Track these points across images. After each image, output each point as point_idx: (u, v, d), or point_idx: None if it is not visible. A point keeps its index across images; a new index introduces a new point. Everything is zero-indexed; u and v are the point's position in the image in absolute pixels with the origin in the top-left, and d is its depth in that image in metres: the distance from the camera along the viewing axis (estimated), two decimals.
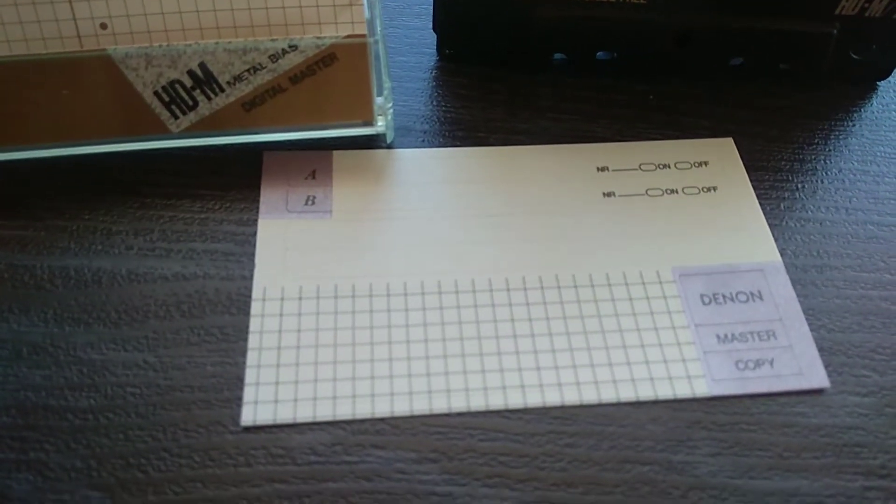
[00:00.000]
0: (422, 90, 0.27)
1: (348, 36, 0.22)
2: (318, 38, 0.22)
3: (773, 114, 0.27)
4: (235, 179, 0.24)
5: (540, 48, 0.26)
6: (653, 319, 0.22)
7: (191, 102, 0.22)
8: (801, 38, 0.26)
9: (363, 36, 0.22)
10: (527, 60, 0.27)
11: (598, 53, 0.27)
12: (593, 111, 0.27)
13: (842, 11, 0.25)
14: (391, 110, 0.24)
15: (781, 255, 0.23)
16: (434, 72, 0.28)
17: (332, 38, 0.22)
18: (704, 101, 0.27)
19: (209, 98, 0.22)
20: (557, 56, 0.27)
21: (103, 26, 0.22)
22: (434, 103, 0.27)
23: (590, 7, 0.25)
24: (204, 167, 0.24)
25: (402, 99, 0.26)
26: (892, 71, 0.27)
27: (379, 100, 0.23)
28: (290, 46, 0.22)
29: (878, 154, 0.26)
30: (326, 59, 0.22)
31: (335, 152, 0.25)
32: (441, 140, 0.26)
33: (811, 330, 0.22)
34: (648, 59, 0.27)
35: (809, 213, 0.24)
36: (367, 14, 0.22)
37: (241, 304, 0.21)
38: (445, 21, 0.26)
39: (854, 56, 0.27)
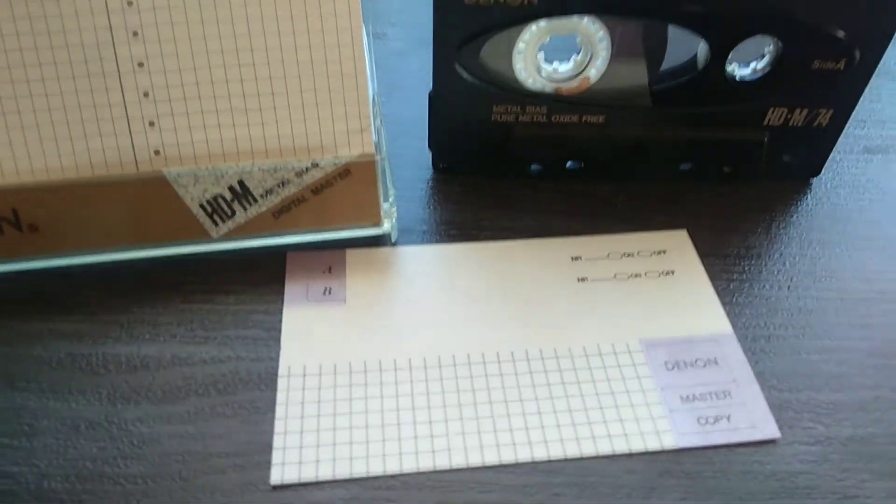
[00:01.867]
0: (421, 197, 0.32)
1: (360, 155, 0.27)
2: (336, 157, 0.26)
3: (721, 208, 0.31)
4: (264, 275, 0.28)
5: (519, 160, 0.31)
6: (624, 384, 0.25)
7: (230, 212, 0.26)
8: (738, 145, 0.31)
9: (372, 155, 0.27)
10: (509, 170, 0.32)
11: (569, 163, 0.32)
12: (567, 210, 0.31)
13: (769, 123, 0.30)
14: (395, 214, 0.28)
15: (733, 327, 0.27)
16: (431, 182, 0.32)
17: (347, 157, 0.26)
18: (661, 199, 0.32)
19: (245, 208, 0.26)
20: (534, 166, 0.32)
21: (157, 153, 0.27)
22: (431, 208, 0.31)
23: (557, 127, 0.30)
24: (238, 265, 0.28)
25: (404, 205, 0.31)
26: (821, 169, 0.32)
27: (385, 205, 0.27)
28: (312, 164, 0.26)
29: (814, 240, 0.30)
30: (342, 173, 0.27)
31: (348, 250, 0.29)
32: (438, 238, 0.30)
33: (762, 389, 0.25)
34: (610, 165, 0.31)
35: (756, 291, 0.28)
36: (374, 138, 0.27)
37: (268, 380, 0.25)
38: (439, 140, 0.31)
39: (786, 158, 0.31)
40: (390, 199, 0.28)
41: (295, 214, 0.27)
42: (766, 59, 0.29)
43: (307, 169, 0.26)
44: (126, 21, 0.25)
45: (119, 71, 0.26)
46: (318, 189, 0.27)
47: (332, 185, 0.27)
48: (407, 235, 0.30)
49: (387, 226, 0.28)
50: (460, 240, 0.30)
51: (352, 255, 0.29)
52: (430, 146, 0.32)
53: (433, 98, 0.30)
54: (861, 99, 0.37)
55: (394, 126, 0.35)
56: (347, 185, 0.27)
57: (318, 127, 0.27)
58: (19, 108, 0.25)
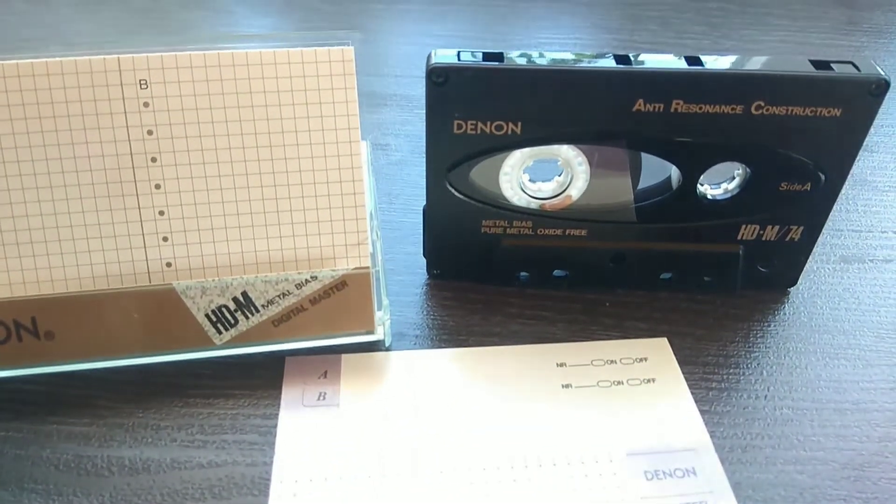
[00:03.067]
0: (414, 303, 0.33)
1: (356, 268, 0.29)
2: (334, 270, 0.28)
3: (700, 317, 0.33)
4: (263, 380, 0.29)
5: (508, 268, 0.33)
6: (606, 493, 0.26)
7: (233, 322, 0.28)
8: (714, 257, 0.33)
9: (367, 268, 0.29)
10: (499, 277, 0.34)
11: (554, 271, 0.33)
12: (553, 317, 0.33)
13: (743, 238, 0.32)
14: (388, 321, 0.30)
15: (711, 437, 0.28)
16: (424, 288, 0.34)
17: (344, 269, 0.28)
18: (643, 307, 0.33)
19: (247, 318, 0.28)
20: (522, 274, 0.34)
21: (168, 265, 0.29)
22: (424, 313, 0.33)
23: (542, 239, 0.32)
24: (238, 371, 0.30)
25: (398, 310, 0.33)
26: (797, 280, 0.34)
27: (378, 314, 0.29)
28: (311, 277, 0.28)
29: (790, 349, 0.32)
30: (339, 285, 0.29)
31: (343, 355, 0.30)
32: (429, 343, 0.31)
33: (738, 500, 0.26)
34: (594, 275, 0.33)
35: (734, 400, 0.29)
36: (371, 250, 0.29)
37: (262, 486, 0.26)
38: (433, 249, 0.33)
39: (761, 269, 0.33)
40: (383, 308, 0.29)
41: (294, 323, 0.29)
42: (736, 181, 0.31)
43: (306, 281, 0.28)
44: (146, 148, 0.28)
45: (137, 192, 0.28)
46: (316, 300, 0.29)
47: (330, 295, 0.29)
48: (400, 340, 0.31)
49: (380, 332, 0.30)
50: (450, 345, 0.31)
51: (347, 360, 0.30)
52: (424, 254, 0.34)
53: (427, 212, 0.32)
54: (838, 210, 0.39)
55: (393, 233, 0.37)
56: (344, 296, 0.29)
57: (318, 241, 0.29)
58: (44, 225, 0.28)
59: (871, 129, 0.42)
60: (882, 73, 0.27)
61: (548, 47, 0.54)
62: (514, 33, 0.56)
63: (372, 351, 0.31)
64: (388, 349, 0.31)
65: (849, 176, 0.42)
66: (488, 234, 0.32)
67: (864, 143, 0.45)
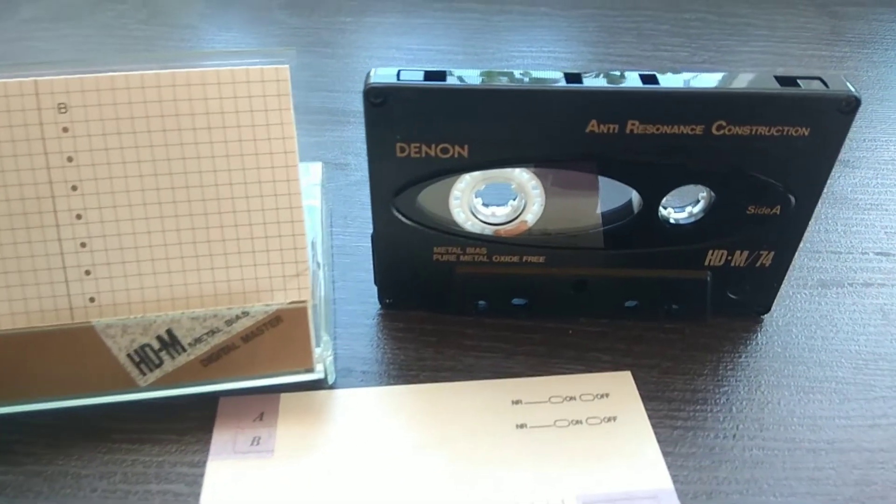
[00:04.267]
0: (364, 334, 0.31)
1: (292, 302, 0.27)
2: (267, 305, 0.26)
3: (667, 347, 0.31)
4: (193, 424, 0.27)
5: (464, 297, 0.31)
6: None
7: (157, 362, 0.26)
8: (681, 284, 0.31)
9: (304, 302, 0.27)
10: (454, 306, 0.32)
11: (514, 299, 0.32)
12: (511, 349, 0.31)
13: (710, 264, 0.30)
14: (331, 357, 0.28)
15: (674, 481, 0.26)
16: (376, 318, 0.32)
17: (278, 304, 0.27)
18: (606, 337, 0.31)
19: (173, 357, 0.26)
20: (481, 302, 0.32)
21: (91, 300, 0.27)
22: (374, 346, 0.31)
23: (498, 266, 0.30)
24: (166, 413, 0.28)
25: (346, 343, 0.31)
26: (770, 306, 0.32)
27: (317, 350, 0.27)
28: (243, 313, 0.26)
29: (763, 382, 0.30)
30: (273, 321, 0.27)
31: (283, 395, 0.28)
32: (377, 379, 0.29)
33: None
34: (554, 303, 0.31)
35: (700, 440, 0.27)
36: (310, 281, 0.27)
37: None
38: (383, 277, 0.31)
39: (732, 296, 0.31)
40: (322, 344, 0.27)
41: (225, 362, 0.27)
42: (701, 204, 0.29)
43: (237, 317, 0.26)
44: (66, 175, 0.26)
45: (58, 223, 0.26)
46: (248, 337, 0.27)
47: (263, 332, 0.27)
48: (346, 376, 0.29)
49: (320, 370, 0.28)
50: (400, 381, 0.29)
51: (286, 400, 0.28)
52: (375, 281, 0.32)
53: (374, 239, 0.30)
54: (816, 230, 0.37)
55: (346, 258, 0.35)
56: (279, 333, 0.27)
57: (253, 273, 0.27)
58: None
59: (852, 144, 0.41)
60: (852, 89, 0.25)
61: (521, 61, 0.53)
62: (487, 47, 0.54)
63: (314, 389, 0.29)
64: (331, 387, 0.29)
65: (828, 194, 0.41)
66: (441, 261, 0.30)
67: (846, 159, 0.44)
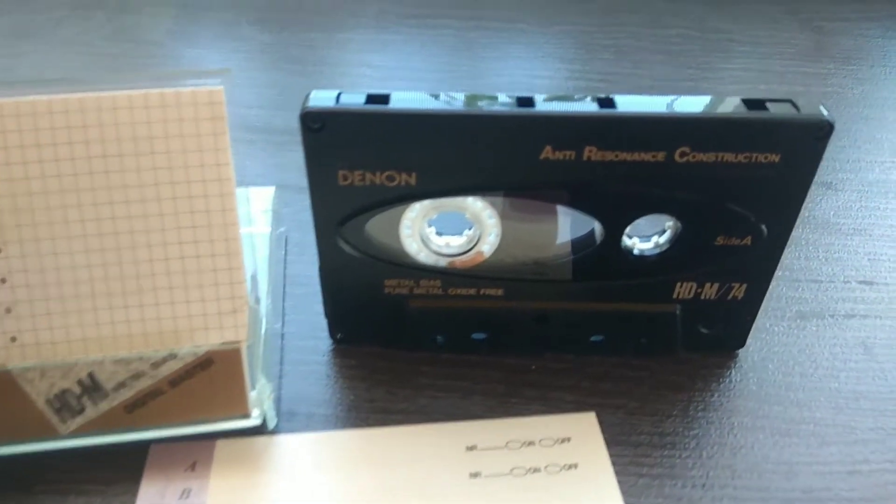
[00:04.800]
0: (313, 373, 0.29)
1: (223, 343, 0.25)
2: (196, 346, 0.25)
3: (635, 386, 0.29)
4: (121, 473, 0.25)
5: (419, 332, 0.29)
6: None
7: (79, 408, 0.24)
8: (649, 318, 0.29)
9: (237, 342, 0.25)
10: (410, 342, 0.30)
11: (473, 334, 0.30)
12: (468, 388, 0.29)
13: (679, 296, 0.28)
14: (270, 400, 0.26)
15: None
16: (327, 354, 0.30)
17: (209, 345, 0.25)
18: (571, 374, 0.29)
19: (95, 403, 0.24)
20: (439, 337, 0.30)
21: (13, 339, 0.25)
22: (322, 385, 0.29)
23: (454, 299, 0.28)
24: (92, 462, 0.25)
25: (292, 382, 0.29)
26: (744, 341, 0.30)
27: (253, 394, 0.25)
28: (170, 355, 0.24)
29: (736, 424, 0.28)
30: (204, 363, 0.25)
31: (219, 441, 0.26)
32: (323, 423, 0.27)
33: None
34: (515, 338, 0.29)
35: (667, 490, 0.25)
36: (248, 319, 0.25)
37: None
38: (334, 310, 0.29)
39: (703, 330, 0.29)
40: (259, 387, 0.25)
41: (151, 408, 0.25)
42: (667, 234, 0.27)
43: (164, 360, 0.24)
44: None
45: None
46: (176, 381, 0.25)
47: (193, 375, 0.25)
48: (290, 420, 0.27)
49: (256, 416, 0.26)
50: (348, 424, 0.27)
51: (222, 447, 0.26)
52: (326, 316, 0.30)
53: (322, 271, 0.28)
54: (796, 257, 0.35)
55: (300, 288, 0.33)
56: (210, 376, 0.25)
57: (186, 310, 0.25)
58: None
59: (835, 165, 0.39)
60: (825, 113, 0.24)
61: (497, 79, 0.51)
62: (461, 63, 0.53)
63: (253, 435, 0.27)
64: (273, 432, 0.27)
65: (809, 218, 0.39)
66: (393, 294, 0.28)
67: (828, 181, 0.42)
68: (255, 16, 0.57)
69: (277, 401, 0.28)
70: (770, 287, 0.31)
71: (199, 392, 0.25)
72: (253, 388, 0.25)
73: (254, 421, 0.26)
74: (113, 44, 0.53)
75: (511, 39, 0.55)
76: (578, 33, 0.56)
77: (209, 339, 0.25)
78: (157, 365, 0.24)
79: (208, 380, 0.25)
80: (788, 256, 0.35)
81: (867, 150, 0.43)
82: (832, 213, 0.39)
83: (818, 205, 0.39)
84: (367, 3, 0.59)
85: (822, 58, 0.54)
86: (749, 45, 0.55)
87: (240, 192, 0.33)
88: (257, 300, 0.27)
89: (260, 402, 0.26)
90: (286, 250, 0.35)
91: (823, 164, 0.43)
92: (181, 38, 0.54)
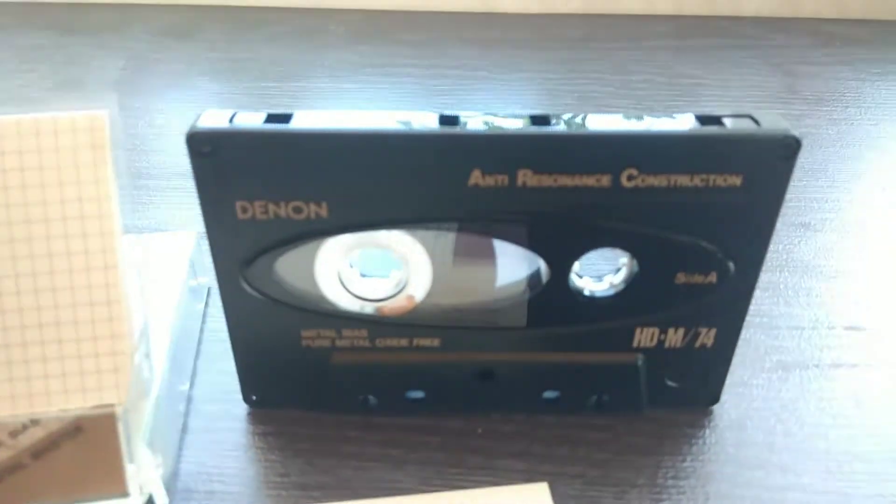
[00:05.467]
0: (221, 442, 0.25)
1: (95, 406, 0.21)
2: (63, 410, 0.21)
3: (595, 450, 0.25)
4: None
5: (344, 391, 0.26)
6: None
7: None
8: (607, 370, 0.25)
9: (111, 406, 0.21)
10: (336, 403, 0.26)
11: (408, 392, 0.26)
12: (401, 456, 0.25)
13: (640, 343, 0.25)
14: (156, 477, 0.22)
15: None
16: (241, 420, 0.26)
17: (77, 409, 0.21)
18: (522, 438, 0.25)
19: None
20: (371, 397, 0.26)
21: None
22: (230, 458, 0.25)
23: (383, 352, 0.25)
24: None
25: (195, 454, 0.25)
26: (718, 396, 0.26)
27: (131, 468, 0.21)
28: (31, 421, 0.20)
29: (712, 494, 0.24)
30: (72, 431, 0.21)
31: None
32: (224, 502, 0.23)
33: None
34: (456, 396, 0.26)
35: None
36: (134, 378, 0.22)
37: None
38: (245, 367, 0.26)
39: (671, 383, 0.26)
40: (138, 460, 0.21)
41: (11, 486, 0.21)
42: (622, 272, 0.24)
43: (24, 427, 0.20)
44: None
45: None
46: (39, 453, 0.21)
47: (59, 446, 0.21)
48: (186, 500, 0.23)
49: (137, 496, 0.21)
50: (256, 503, 0.23)
51: None
52: (238, 375, 0.26)
53: (228, 321, 0.24)
54: (774, 302, 0.32)
55: (218, 345, 0.29)
56: (80, 446, 0.21)
57: (60, 368, 0.22)
58: None
59: (814, 205, 0.37)
60: (788, 128, 0.21)
61: None
62: (417, 110, 0.50)
63: None
64: None
65: (787, 261, 0.36)
66: (312, 347, 0.25)
67: (807, 222, 0.39)
68: (207, 66, 0.55)
69: (173, 476, 0.24)
70: (746, 335, 0.28)
71: (68, 466, 0.21)
72: (131, 460, 0.21)
73: (133, 501, 0.21)
74: (55, 95, 0.51)
75: (471, 87, 0.53)
76: (542, 80, 0.54)
77: (79, 402, 0.21)
78: (15, 433, 0.20)
79: (78, 451, 0.21)
80: (766, 302, 0.32)
81: (846, 189, 0.41)
82: (812, 254, 0.35)
83: (797, 246, 0.36)
84: (323, 53, 0.58)
85: (794, 100, 0.52)
86: (718, 88, 0.53)
87: (149, 236, 0.30)
88: (147, 356, 0.23)
89: (142, 478, 0.21)
90: (207, 302, 0.31)
91: (801, 204, 0.41)
92: (127, 90, 0.52)
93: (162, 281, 0.27)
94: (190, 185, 0.21)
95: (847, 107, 0.51)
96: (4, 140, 0.21)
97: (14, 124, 0.21)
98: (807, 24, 0.65)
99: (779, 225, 0.22)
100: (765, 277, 0.33)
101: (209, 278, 0.32)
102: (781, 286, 0.33)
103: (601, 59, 0.57)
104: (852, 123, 0.48)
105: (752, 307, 0.24)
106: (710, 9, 0.67)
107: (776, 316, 0.31)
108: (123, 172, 0.22)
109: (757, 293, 0.24)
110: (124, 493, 0.21)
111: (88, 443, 0.21)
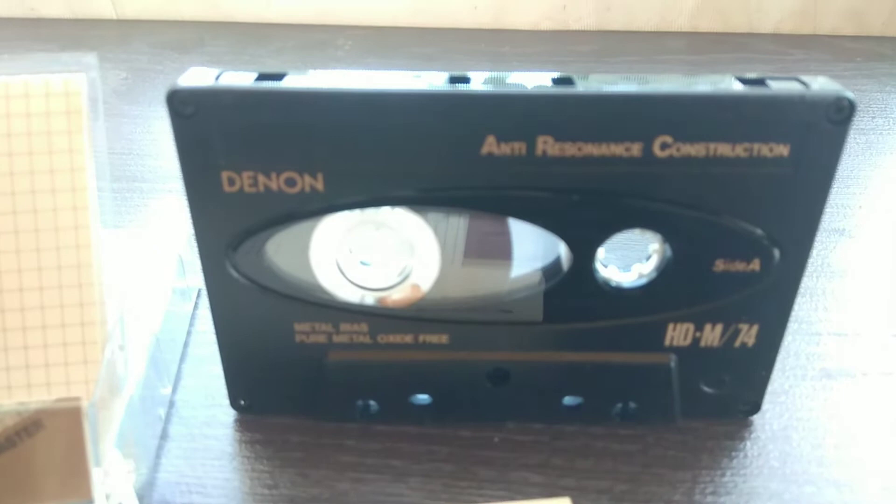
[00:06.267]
0: (204, 450, 0.23)
1: (59, 399, 0.18)
2: (21, 403, 0.18)
3: (623, 463, 0.22)
4: None
5: (341, 395, 0.23)
6: None
7: None
8: (637, 372, 0.23)
9: (77, 399, 0.18)
10: (332, 409, 0.23)
11: (413, 397, 0.23)
12: (404, 467, 0.22)
13: (673, 342, 0.22)
14: (127, 484, 0.19)
15: None
16: (227, 427, 0.24)
17: (39, 402, 0.18)
18: (540, 449, 0.23)
19: None
20: (371, 402, 0.23)
21: None
22: (213, 467, 0.22)
23: (385, 350, 0.22)
24: None
25: (174, 462, 0.22)
26: (759, 404, 0.24)
27: (98, 471, 0.19)
28: None
29: None
30: (31, 427, 0.18)
31: None
32: None
33: None
34: (467, 401, 0.23)
35: None
36: (104, 373, 0.19)
37: None
38: (234, 371, 0.23)
39: (706, 389, 0.23)
40: (106, 464, 0.19)
41: None
42: (654, 260, 0.21)
43: None
44: None
45: None
46: None
47: (15, 444, 0.18)
48: None
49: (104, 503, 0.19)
50: None
51: None
52: (225, 376, 0.24)
53: (214, 312, 0.22)
54: (812, 308, 0.29)
55: (205, 348, 0.27)
56: (40, 444, 0.18)
57: (23, 359, 0.19)
58: None
59: (847, 211, 0.34)
60: (841, 89, 0.18)
61: None
62: None
63: None
64: None
65: (823, 266, 0.34)
66: (307, 343, 0.22)
67: (841, 228, 0.37)
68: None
69: (149, 485, 0.21)
70: (785, 341, 0.25)
71: (25, 468, 0.18)
72: (98, 463, 0.19)
73: None
74: None
75: None
76: None
77: (40, 394, 0.19)
78: None
79: (37, 450, 0.18)
80: (803, 307, 0.29)
81: (879, 195, 0.38)
82: (849, 260, 0.33)
83: (832, 252, 0.33)
84: (331, 67, 0.56)
85: None
86: None
87: (134, 231, 0.28)
88: (121, 348, 0.20)
89: (109, 484, 0.19)
90: (197, 304, 0.29)
91: (834, 210, 0.38)
92: (128, 96, 0.50)
93: (145, 277, 0.25)
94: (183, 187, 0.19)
95: (874, 117, 0.48)
96: None
97: None
98: (826, 41, 0.63)
99: None
100: (801, 282, 0.31)
101: (199, 280, 0.30)
102: (819, 291, 0.30)
103: (614, 75, 0.56)
104: (881, 133, 0.46)
105: None
106: (725, 25, 0.66)
107: (815, 322, 0.29)
108: (102, 145, 0.20)
109: None
110: (88, 501, 0.19)
111: (49, 441, 0.18)
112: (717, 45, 0.62)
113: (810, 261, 0.33)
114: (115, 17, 0.67)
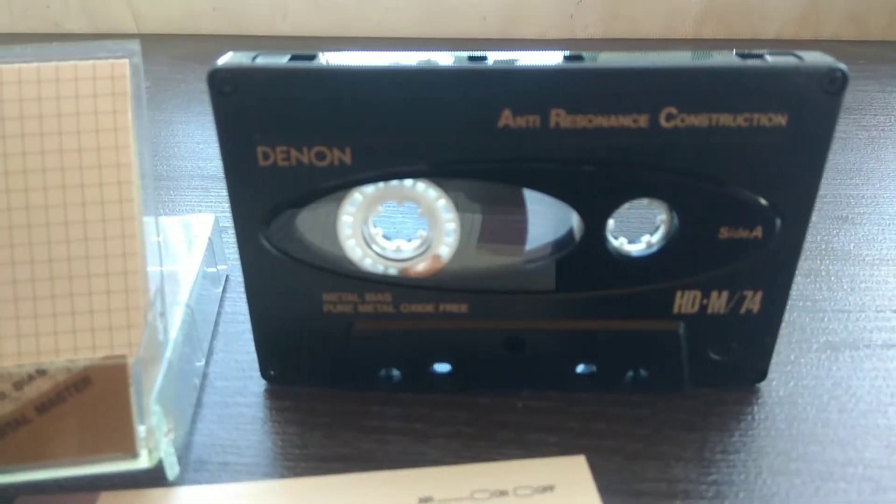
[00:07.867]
0: (235, 416, 0.24)
1: (106, 357, 0.20)
2: (71, 360, 0.20)
3: (635, 426, 0.23)
4: None
5: (366, 364, 0.24)
6: None
7: None
8: (647, 339, 0.24)
9: (123, 357, 0.20)
10: (358, 378, 0.24)
11: (434, 365, 0.24)
12: (426, 430, 0.23)
13: (681, 310, 0.23)
14: (168, 441, 0.20)
15: None
16: (256, 396, 0.25)
17: (86, 360, 0.20)
18: (555, 413, 0.24)
19: None
20: (395, 371, 0.25)
21: None
22: (244, 431, 0.23)
23: (407, 319, 0.23)
24: None
25: (208, 427, 0.23)
26: (765, 371, 0.25)
27: (141, 428, 0.20)
28: (37, 371, 0.19)
29: (764, 468, 0.22)
30: (79, 383, 0.19)
31: (103, 493, 0.21)
32: (240, 474, 0.22)
33: None
34: (485, 369, 0.24)
35: None
36: (147, 336, 0.21)
37: None
38: (265, 341, 0.24)
39: (714, 356, 0.24)
40: (150, 421, 0.20)
41: (14, 442, 0.19)
42: (661, 230, 0.23)
43: (29, 377, 0.19)
44: None
45: None
46: (45, 406, 0.19)
47: (65, 399, 0.19)
48: (199, 470, 0.22)
49: (145, 459, 0.20)
50: (273, 475, 0.22)
51: (107, 500, 0.20)
52: (256, 348, 0.25)
53: (247, 285, 0.23)
54: (817, 287, 0.31)
55: (234, 326, 0.28)
56: (87, 400, 0.19)
57: (70, 323, 0.21)
58: None
59: (851, 201, 0.35)
60: (834, 61, 0.20)
61: None
62: None
63: (149, 486, 0.21)
64: (172, 483, 0.21)
65: (827, 250, 0.35)
66: (333, 313, 0.23)
67: (844, 215, 0.38)
68: None
69: (185, 447, 0.22)
70: (790, 317, 0.27)
71: (75, 422, 0.20)
72: (142, 421, 0.20)
73: (142, 463, 0.20)
74: None
75: None
76: None
77: (88, 353, 0.20)
78: (19, 384, 0.19)
79: (86, 405, 0.20)
80: (808, 287, 0.30)
81: (882, 186, 0.39)
82: (852, 244, 0.34)
83: (836, 237, 0.34)
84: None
85: None
86: None
87: (165, 219, 0.29)
88: (162, 315, 0.22)
89: (153, 441, 0.20)
90: (226, 288, 0.30)
91: (837, 200, 0.39)
92: (152, 103, 0.52)
93: (178, 259, 0.26)
94: (208, 185, 0.21)
95: (876, 115, 0.50)
96: (24, 87, 0.21)
97: (34, 71, 0.21)
98: (828, 46, 0.64)
99: (816, 217, 0.21)
100: (805, 265, 0.32)
101: (228, 266, 0.32)
102: (823, 273, 0.32)
103: (621, 52, 0.57)
104: (882, 129, 0.47)
105: (793, 292, 0.23)
106: (728, 32, 0.67)
107: (820, 300, 0.30)
108: (145, 126, 0.22)
109: (798, 279, 0.23)
110: (133, 454, 0.20)
111: (97, 397, 0.20)
112: (720, 49, 0.64)
113: (815, 245, 0.34)
114: (136, 31, 0.70)
